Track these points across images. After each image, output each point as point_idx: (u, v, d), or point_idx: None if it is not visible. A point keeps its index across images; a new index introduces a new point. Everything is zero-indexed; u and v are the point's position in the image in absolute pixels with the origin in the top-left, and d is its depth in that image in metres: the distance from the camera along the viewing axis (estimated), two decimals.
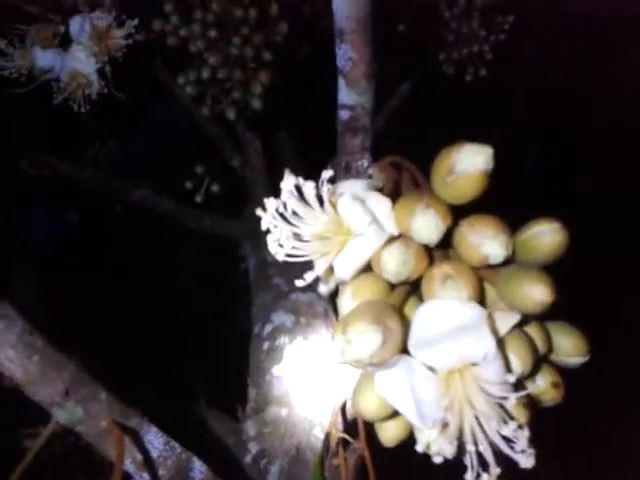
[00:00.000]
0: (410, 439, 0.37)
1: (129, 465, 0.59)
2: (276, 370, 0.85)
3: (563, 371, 0.39)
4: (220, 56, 0.81)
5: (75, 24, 0.87)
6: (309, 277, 0.38)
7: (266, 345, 0.89)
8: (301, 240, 0.38)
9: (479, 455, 0.31)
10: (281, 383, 0.83)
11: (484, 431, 0.31)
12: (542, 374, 0.36)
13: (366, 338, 0.33)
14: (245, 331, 0.94)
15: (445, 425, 0.32)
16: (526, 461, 0.30)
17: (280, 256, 0.38)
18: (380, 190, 0.46)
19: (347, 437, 0.61)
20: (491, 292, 0.37)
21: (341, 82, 0.53)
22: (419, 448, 0.34)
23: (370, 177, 0.49)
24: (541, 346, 0.37)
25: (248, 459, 0.79)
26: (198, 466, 0.63)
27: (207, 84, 0.83)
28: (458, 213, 0.39)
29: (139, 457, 0.59)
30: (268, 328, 0.91)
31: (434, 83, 0.89)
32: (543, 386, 0.36)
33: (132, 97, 0.91)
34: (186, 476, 0.61)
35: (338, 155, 0.56)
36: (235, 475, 0.76)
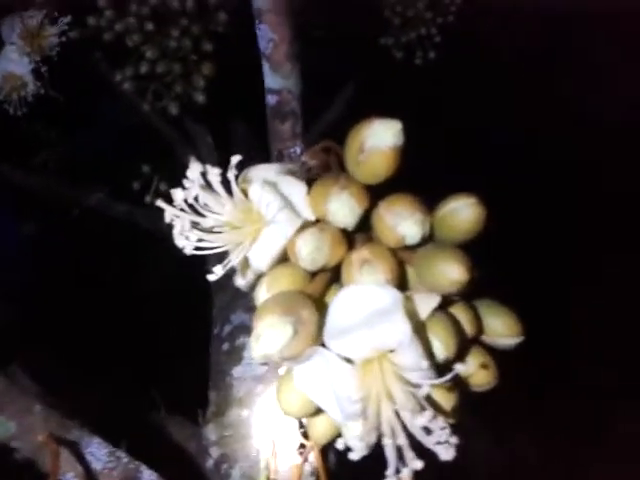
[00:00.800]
0: None
1: (72, 479, 0.56)
2: (236, 371, 0.82)
3: (497, 354, 0.37)
4: (157, 49, 0.78)
5: (6, 24, 0.84)
6: (218, 270, 0.35)
7: (226, 346, 0.86)
8: (210, 231, 0.36)
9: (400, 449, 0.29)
10: (241, 384, 0.81)
11: (402, 423, 0.29)
12: (470, 356, 0.34)
13: (275, 331, 0.31)
14: (206, 334, 0.91)
15: (365, 418, 0.30)
16: (445, 453, 0.28)
17: (188, 249, 0.36)
18: (308, 172, 0.44)
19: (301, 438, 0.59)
20: (413, 274, 0.35)
21: (265, 66, 0.51)
22: (340, 446, 0.31)
23: (303, 164, 0.47)
24: (469, 328, 0.35)
25: (209, 464, 0.77)
26: (147, 475, 0.60)
27: (146, 79, 0.80)
28: (381, 194, 0.37)
29: (81, 469, 0.56)
30: (227, 328, 0.88)
31: (382, 69, 0.86)
32: (471, 368, 0.34)
33: (75, 97, 0.88)
34: None
35: (270, 143, 0.54)
36: None
